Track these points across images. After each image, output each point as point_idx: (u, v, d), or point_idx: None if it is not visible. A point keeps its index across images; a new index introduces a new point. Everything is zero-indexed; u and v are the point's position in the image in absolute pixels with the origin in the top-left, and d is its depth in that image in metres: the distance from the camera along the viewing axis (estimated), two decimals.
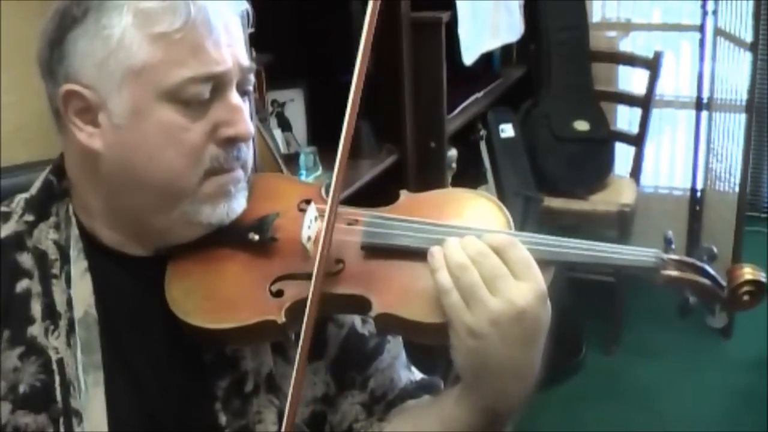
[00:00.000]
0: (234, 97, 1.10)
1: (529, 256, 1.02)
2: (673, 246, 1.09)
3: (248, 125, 1.11)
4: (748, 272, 1.06)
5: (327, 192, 1.20)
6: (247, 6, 1.16)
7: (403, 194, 1.22)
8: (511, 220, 1.14)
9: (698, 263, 1.08)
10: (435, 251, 1.04)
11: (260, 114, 2.32)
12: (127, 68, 1.05)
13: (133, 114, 1.06)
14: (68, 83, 1.07)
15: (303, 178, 2.42)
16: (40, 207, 1.16)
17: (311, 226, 1.11)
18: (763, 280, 1.05)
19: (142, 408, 1.13)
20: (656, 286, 1.08)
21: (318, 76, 2.73)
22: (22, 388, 1.09)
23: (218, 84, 1.08)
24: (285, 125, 2.71)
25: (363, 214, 1.15)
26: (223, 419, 1.13)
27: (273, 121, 2.66)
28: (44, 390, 1.09)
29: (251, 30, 1.88)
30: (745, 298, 1.06)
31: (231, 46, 1.09)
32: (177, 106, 1.06)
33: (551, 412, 3.36)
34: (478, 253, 1.02)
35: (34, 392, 1.09)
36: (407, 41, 2.73)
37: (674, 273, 1.07)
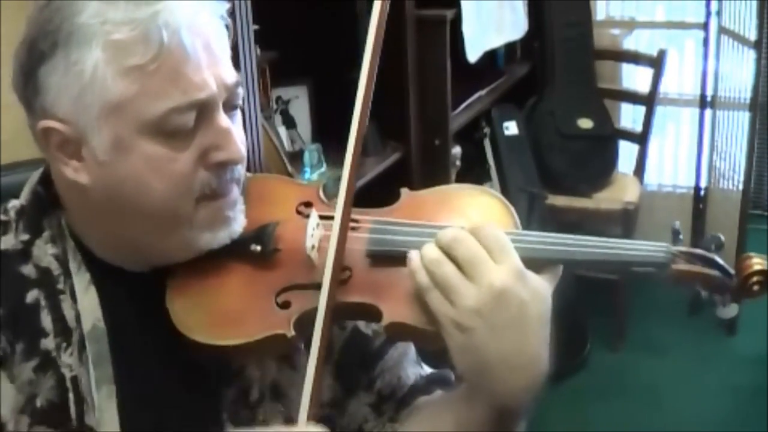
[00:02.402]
0: (222, 120, 1.04)
1: (505, 237, 1.00)
2: (681, 237, 1.08)
3: (239, 148, 1.06)
4: (757, 263, 1.05)
5: (325, 193, 1.18)
6: (227, 6, 1.09)
7: (405, 193, 1.18)
8: (516, 216, 1.11)
9: (708, 255, 1.07)
10: (413, 254, 1.01)
11: (265, 111, 2.33)
12: (104, 104, 0.99)
13: (115, 150, 1.01)
14: (45, 119, 1.03)
15: (308, 175, 2.42)
16: (33, 223, 1.13)
17: (314, 234, 1.08)
18: None
19: (152, 421, 1.12)
20: (665, 284, 1.07)
21: (323, 73, 2.73)
22: (39, 402, 1.07)
23: (203, 109, 1.02)
24: (289, 122, 2.72)
25: (366, 219, 1.12)
26: (230, 429, 1.12)
27: (278, 119, 2.67)
28: (59, 407, 1.07)
29: (256, 27, 1.89)
30: (755, 288, 1.05)
31: (213, 65, 1.03)
32: (161, 138, 1.01)
33: (557, 409, 3.36)
34: (452, 240, 0.99)
35: (50, 407, 1.07)
36: (412, 38, 2.74)
37: (684, 267, 1.05)
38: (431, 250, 1.00)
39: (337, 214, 1.05)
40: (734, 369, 3.60)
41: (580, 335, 3.70)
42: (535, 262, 1.02)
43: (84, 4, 0.99)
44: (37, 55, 1.01)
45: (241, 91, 1.09)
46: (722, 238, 1.09)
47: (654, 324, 3.87)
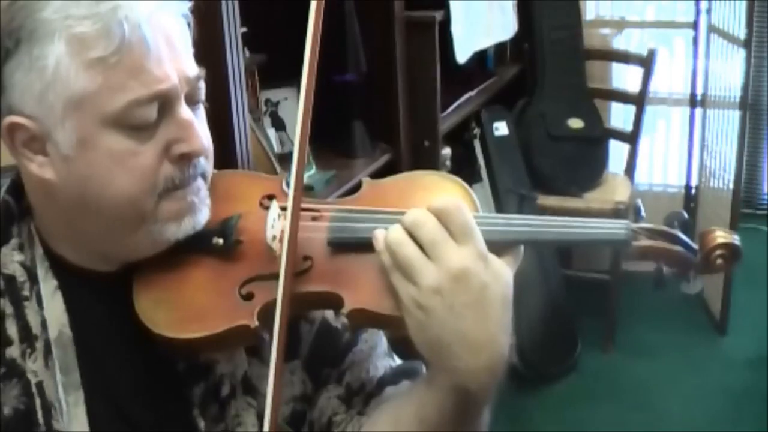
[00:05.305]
0: (183, 112, 1.06)
1: (470, 219, 1.00)
2: (643, 215, 1.08)
3: (201, 140, 1.07)
4: (720, 236, 1.05)
5: (288, 185, 1.17)
6: (189, 5, 1.10)
7: (366, 182, 1.19)
8: (477, 201, 1.11)
9: (669, 230, 1.07)
10: (378, 234, 1.03)
11: (254, 113, 2.32)
12: (67, 99, 1.01)
13: (79, 144, 1.02)
14: (10, 114, 1.03)
15: None
16: (0, 232, 1.13)
17: (275, 225, 1.08)
18: (736, 242, 1.05)
19: (123, 423, 1.12)
20: (630, 259, 1.06)
21: None
22: (6, 411, 1.07)
23: (165, 102, 1.04)
24: (279, 124, 2.71)
25: (327, 208, 1.13)
26: (201, 425, 1.13)
27: (267, 121, 2.66)
28: (27, 414, 1.07)
29: (244, 29, 1.88)
30: (719, 261, 1.05)
31: (174, 59, 1.04)
32: (124, 131, 1.02)
33: (547, 411, 3.36)
34: (414, 221, 1.00)
35: (18, 416, 1.07)
36: (401, 40, 2.73)
37: (647, 243, 1.06)
38: (394, 232, 1.01)
39: (289, 199, 1.06)
40: (725, 370, 3.61)
41: (570, 337, 3.69)
42: (496, 244, 1.03)
43: (46, 2, 1.00)
44: (2, 52, 1.03)
45: (203, 85, 1.11)
46: (686, 215, 1.08)
47: (644, 325, 3.87)
